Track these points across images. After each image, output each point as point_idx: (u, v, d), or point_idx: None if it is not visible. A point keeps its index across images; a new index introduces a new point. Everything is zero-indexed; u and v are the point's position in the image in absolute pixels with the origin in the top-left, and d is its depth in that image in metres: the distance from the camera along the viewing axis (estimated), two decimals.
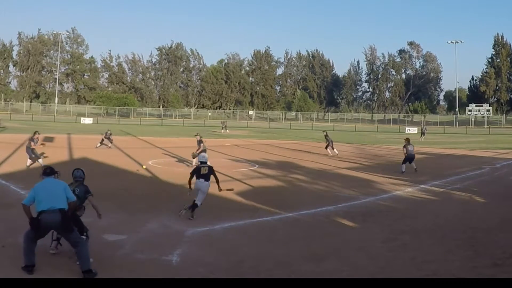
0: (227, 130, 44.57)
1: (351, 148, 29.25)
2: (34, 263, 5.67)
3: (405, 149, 16.55)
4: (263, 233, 7.95)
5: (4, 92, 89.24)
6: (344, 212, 9.72)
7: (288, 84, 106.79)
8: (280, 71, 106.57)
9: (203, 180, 8.89)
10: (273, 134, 44.49)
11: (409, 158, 16.48)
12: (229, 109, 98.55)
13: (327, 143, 23.03)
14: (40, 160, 16.14)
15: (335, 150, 22.76)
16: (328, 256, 6.79)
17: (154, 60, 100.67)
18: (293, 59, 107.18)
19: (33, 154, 15.99)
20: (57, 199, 5.77)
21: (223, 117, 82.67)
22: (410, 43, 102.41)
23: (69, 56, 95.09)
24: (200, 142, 17.87)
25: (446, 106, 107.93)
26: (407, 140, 16.94)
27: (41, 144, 18.48)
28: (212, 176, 9.09)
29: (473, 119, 76.75)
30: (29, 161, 15.92)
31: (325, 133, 24.13)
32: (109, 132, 23.85)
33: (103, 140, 23.34)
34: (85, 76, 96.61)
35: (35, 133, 17.24)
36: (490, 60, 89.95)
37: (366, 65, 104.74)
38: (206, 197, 9.01)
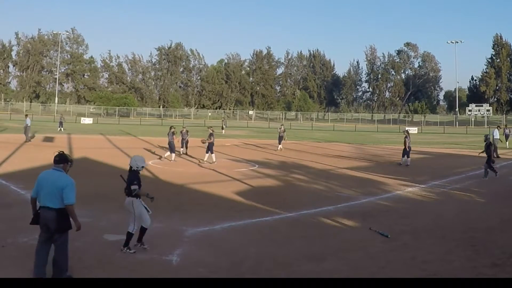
0: (223, 131, 44.24)
1: (351, 148, 29.25)
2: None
3: None
4: (263, 233, 7.94)
5: (4, 92, 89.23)
6: (344, 212, 9.71)
7: (288, 84, 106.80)
8: (280, 71, 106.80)
9: None
10: (273, 134, 44.43)
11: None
12: (229, 109, 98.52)
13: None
14: (173, 154, 18.38)
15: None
16: (328, 256, 6.78)
17: (154, 60, 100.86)
18: (294, 59, 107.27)
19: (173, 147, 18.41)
20: (51, 197, 5.08)
21: (223, 116, 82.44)
22: (407, 44, 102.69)
23: (69, 56, 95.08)
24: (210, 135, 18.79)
25: (446, 106, 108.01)
26: None
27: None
28: None
29: (473, 119, 76.74)
30: (173, 155, 18.32)
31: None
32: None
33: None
34: (85, 76, 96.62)
35: (171, 128, 19.19)
36: (490, 60, 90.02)
37: (366, 65, 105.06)
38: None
